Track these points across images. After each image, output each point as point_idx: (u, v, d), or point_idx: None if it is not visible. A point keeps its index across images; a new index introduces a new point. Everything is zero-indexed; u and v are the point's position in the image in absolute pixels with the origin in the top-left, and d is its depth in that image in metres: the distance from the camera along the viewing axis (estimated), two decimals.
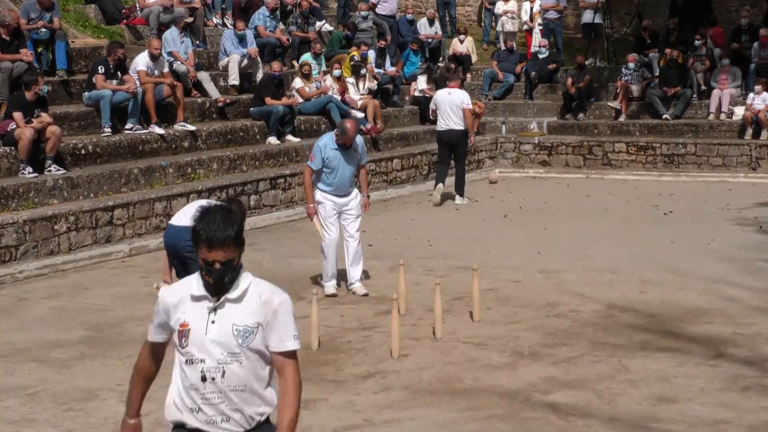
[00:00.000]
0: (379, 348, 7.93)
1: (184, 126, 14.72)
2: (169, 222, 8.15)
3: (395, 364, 7.54)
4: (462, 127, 15.71)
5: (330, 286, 9.78)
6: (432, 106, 16.55)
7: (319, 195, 9.75)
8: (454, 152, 15.96)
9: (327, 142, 9.71)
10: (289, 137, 16.04)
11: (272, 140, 15.81)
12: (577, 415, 6.39)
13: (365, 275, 10.09)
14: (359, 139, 9.89)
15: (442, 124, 15.86)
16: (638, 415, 6.40)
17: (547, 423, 6.28)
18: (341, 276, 9.96)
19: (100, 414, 6.52)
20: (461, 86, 20.22)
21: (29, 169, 11.96)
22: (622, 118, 20.01)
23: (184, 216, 7.94)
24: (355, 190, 9.89)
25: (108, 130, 13.59)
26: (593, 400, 6.69)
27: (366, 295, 9.68)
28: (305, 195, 10.07)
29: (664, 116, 19.50)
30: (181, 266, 7.94)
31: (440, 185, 15.88)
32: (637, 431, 6.16)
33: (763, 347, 7.84)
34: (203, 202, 8.17)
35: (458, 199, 15.92)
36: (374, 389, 6.98)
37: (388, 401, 6.73)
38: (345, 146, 9.61)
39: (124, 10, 17.46)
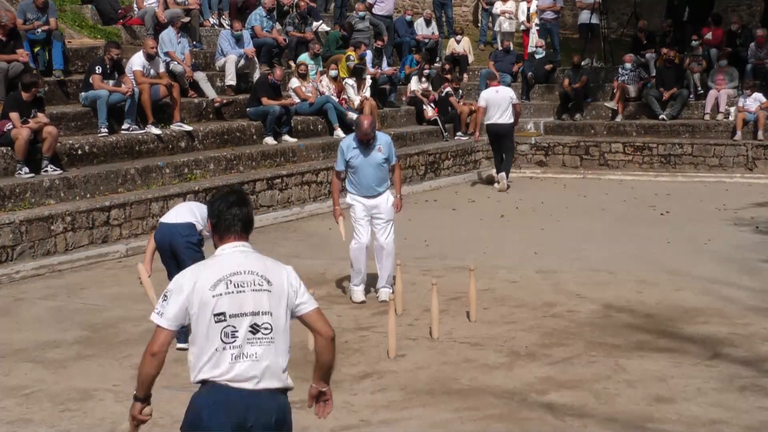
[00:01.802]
0: (376, 348, 7.93)
1: (181, 126, 14.72)
2: (161, 221, 8.07)
3: (392, 365, 7.54)
4: (509, 121, 17.27)
5: (358, 291, 9.48)
6: (482, 103, 17.62)
7: (349, 197, 9.56)
8: (501, 143, 17.48)
9: (349, 141, 9.55)
10: (286, 137, 16.05)
11: (269, 140, 15.81)
12: (574, 415, 6.39)
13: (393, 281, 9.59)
14: (385, 138, 9.65)
15: (492, 119, 17.30)
16: (635, 415, 6.40)
17: (543, 423, 6.29)
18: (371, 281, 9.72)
19: (97, 414, 6.52)
20: (459, 86, 20.43)
21: (26, 169, 11.95)
22: (618, 119, 20.05)
23: (179, 214, 7.99)
24: (387, 193, 9.59)
25: (105, 130, 13.58)
26: (590, 400, 6.70)
27: (385, 302, 9.22)
28: (333, 199, 9.83)
29: (660, 116, 19.53)
30: (174, 265, 7.93)
31: (502, 174, 17.57)
32: (634, 431, 6.16)
33: (759, 347, 7.84)
34: (193, 203, 8.21)
35: (504, 180, 17.53)
36: (371, 389, 6.98)
37: (384, 401, 6.73)
38: (364, 143, 9.40)
39: (120, 11, 17.44)
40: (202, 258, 7.87)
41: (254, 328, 4.06)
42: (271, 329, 4.07)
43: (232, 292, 4.05)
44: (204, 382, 4.05)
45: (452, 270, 10.69)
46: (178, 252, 7.82)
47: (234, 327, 4.03)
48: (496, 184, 17.69)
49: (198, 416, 4.04)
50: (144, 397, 4.24)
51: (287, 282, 4.17)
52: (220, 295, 4.04)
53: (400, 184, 9.85)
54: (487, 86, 19.45)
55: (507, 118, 17.17)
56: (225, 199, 4.22)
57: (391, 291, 9.33)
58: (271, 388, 4.05)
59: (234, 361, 4.01)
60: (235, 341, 4.02)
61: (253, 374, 4.01)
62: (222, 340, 4.03)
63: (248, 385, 4.00)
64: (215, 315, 4.04)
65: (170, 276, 7.99)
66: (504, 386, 6.99)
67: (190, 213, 7.95)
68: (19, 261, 10.81)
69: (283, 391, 4.12)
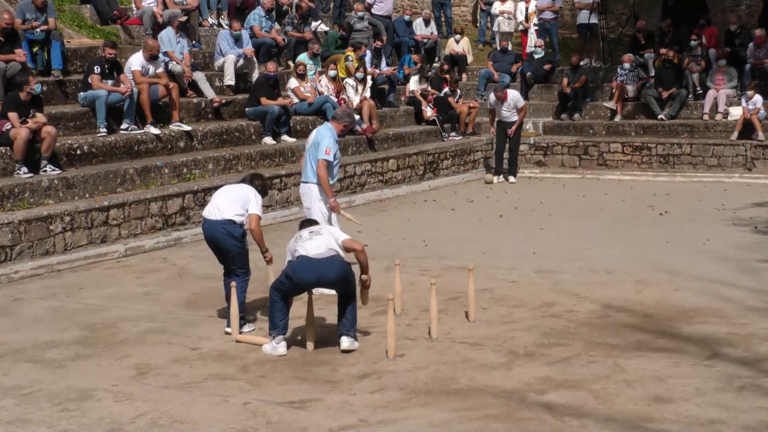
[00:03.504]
0: (375, 348, 7.94)
1: (180, 126, 14.71)
2: (204, 215, 8.51)
3: (391, 364, 7.54)
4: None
5: None
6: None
7: (318, 190, 9.85)
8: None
9: (333, 134, 9.83)
10: (285, 137, 16.05)
11: (268, 140, 15.82)
12: (573, 415, 6.40)
13: None
14: None
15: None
16: (634, 415, 6.41)
17: (542, 423, 6.29)
18: None
19: (96, 414, 6.52)
20: (457, 87, 20.45)
21: (24, 169, 11.95)
22: (617, 119, 20.05)
23: (221, 208, 8.35)
24: None
25: (103, 130, 13.59)
26: (589, 400, 6.70)
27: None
28: (326, 190, 9.85)
29: (659, 116, 19.53)
30: (221, 255, 8.48)
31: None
32: (633, 431, 6.17)
33: (758, 347, 7.85)
34: (235, 189, 8.51)
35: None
36: (370, 389, 6.98)
37: (383, 401, 6.73)
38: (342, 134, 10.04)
39: (114, 12, 17.42)
40: (246, 251, 8.39)
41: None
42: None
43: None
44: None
45: (451, 270, 10.69)
46: (222, 247, 8.33)
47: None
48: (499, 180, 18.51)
49: (293, 267, 7.64)
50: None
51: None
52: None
53: None
54: (486, 87, 19.60)
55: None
56: None
57: None
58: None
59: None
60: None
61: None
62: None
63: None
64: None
65: (220, 261, 8.57)
66: (503, 386, 7.00)
67: (229, 207, 8.33)
68: (18, 261, 10.81)
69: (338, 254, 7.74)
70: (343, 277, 7.71)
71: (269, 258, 8.71)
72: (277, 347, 7.79)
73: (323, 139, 9.79)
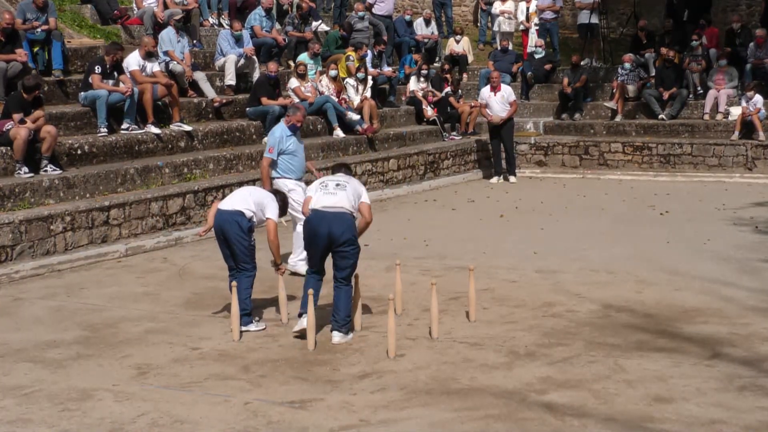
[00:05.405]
0: (376, 348, 7.94)
1: (180, 126, 14.71)
2: (219, 207, 8.58)
3: (391, 364, 7.54)
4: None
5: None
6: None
7: (291, 183, 10.35)
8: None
9: (282, 131, 10.40)
10: None
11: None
12: (574, 415, 6.40)
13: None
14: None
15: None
16: (634, 415, 6.41)
17: (543, 423, 6.29)
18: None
19: (96, 414, 6.52)
20: (457, 87, 20.45)
21: (25, 169, 11.95)
22: (618, 118, 20.06)
23: (234, 201, 8.52)
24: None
25: (104, 130, 13.58)
26: (589, 400, 6.70)
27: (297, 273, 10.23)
28: (264, 185, 10.18)
29: (660, 116, 19.53)
30: (226, 248, 8.51)
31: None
32: (633, 431, 6.17)
33: (759, 347, 7.85)
34: (251, 189, 8.76)
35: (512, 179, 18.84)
36: (370, 389, 6.98)
37: (384, 401, 6.73)
38: (297, 129, 10.44)
39: (116, 12, 17.43)
40: (252, 245, 8.47)
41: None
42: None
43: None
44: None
45: (452, 270, 10.69)
46: (228, 237, 8.38)
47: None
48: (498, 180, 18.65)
49: (308, 220, 8.14)
50: None
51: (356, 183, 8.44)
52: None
53: None
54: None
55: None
56: None
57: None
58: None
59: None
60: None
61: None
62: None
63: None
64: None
65: (226, 259, 8.60)
66: (503, 386, 7.00)
67: (242, 201, 8.50)
68: (19, 261, 10.81)
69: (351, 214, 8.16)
70: (349, 229, 8.08)
71: (282, 272, 8.86)
72: (301, 321, 8.13)
73: (269, 137, 10.56)
